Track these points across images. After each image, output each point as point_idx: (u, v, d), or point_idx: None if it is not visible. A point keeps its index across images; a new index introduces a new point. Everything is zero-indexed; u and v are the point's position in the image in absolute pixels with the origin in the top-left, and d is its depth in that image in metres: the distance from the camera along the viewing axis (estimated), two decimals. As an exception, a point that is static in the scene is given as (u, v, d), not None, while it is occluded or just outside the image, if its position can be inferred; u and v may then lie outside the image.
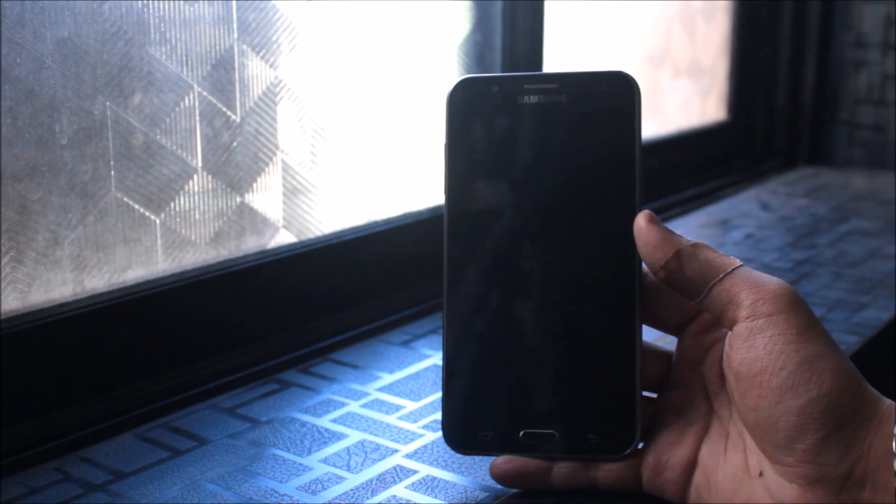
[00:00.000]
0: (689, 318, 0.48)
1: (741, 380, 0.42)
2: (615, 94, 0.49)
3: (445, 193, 0.49)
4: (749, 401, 0.42)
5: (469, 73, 0.94)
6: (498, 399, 0.49)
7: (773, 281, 0.43)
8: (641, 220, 0.46)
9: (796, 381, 0.41)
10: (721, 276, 0.44)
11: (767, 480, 0.42)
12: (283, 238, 0.80)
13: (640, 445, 0.48)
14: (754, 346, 0.42)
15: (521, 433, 0.49)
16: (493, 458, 0.50)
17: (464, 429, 0.50)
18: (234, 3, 0.73)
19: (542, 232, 0.48)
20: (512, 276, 0.49)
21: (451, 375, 0.49)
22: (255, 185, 0.77)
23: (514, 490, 0.53)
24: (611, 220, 0.48)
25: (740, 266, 0.44)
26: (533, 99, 0.48)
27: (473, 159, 0.49)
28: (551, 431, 0.48)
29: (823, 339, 0.42)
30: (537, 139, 0.49)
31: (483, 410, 0.49)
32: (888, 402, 0.42)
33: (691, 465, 0.46)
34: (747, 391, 0.42)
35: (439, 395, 0.67)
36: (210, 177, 0.73)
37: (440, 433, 0.62)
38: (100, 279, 0.67)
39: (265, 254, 0.77)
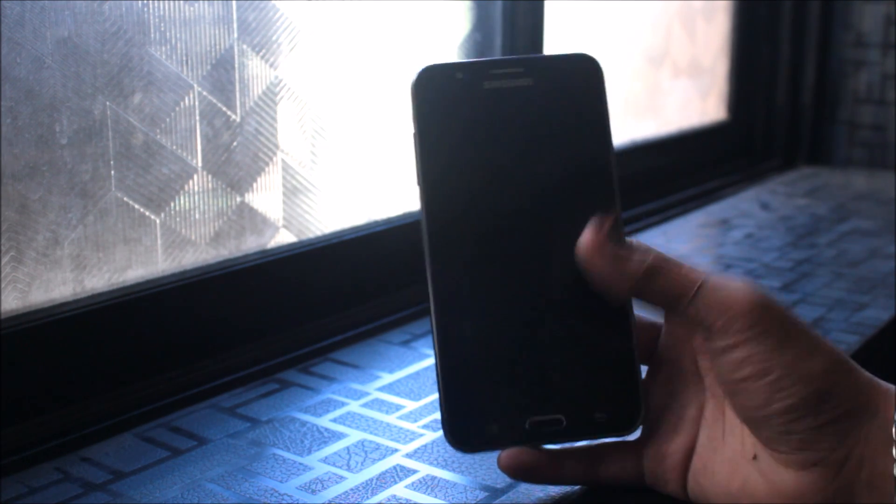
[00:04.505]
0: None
1: (725, 383, 0.42)
2: (580, 76, 0.49)
3: (420, 185, 0.48)
4: (738, 400, 0.42)
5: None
6: (499, 391, 0.48)
7: (739, 296, 0.42)
8: (585, 250, 0.43)
9: (782, 385, 0.40)
10: (686, 303, 0.43)
11: (762, 464, 0.42)
12: (283, 238, 0.80)
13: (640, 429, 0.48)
14: (731, 361, 0.42)
15: (528, 422, 0.48)
16: (498, 452, 0.50)
17: (467, 426, 0.48)
18: (234, 3, 0.73)
19: (523, 216, 0.48)
20: (498, 264, 0.48)
21: (448, 373, 0.48)
22: (255, 184, 0.77)
23: (514, 490, 0.53)
24: (590, 198, 0.47)
25: (701, 285, 0.42)
26: (499, 84, 0.48)
27: (445, 149, 0.48)
28: (558, 416, 0.47)
29: (804, 339, 0.41)
30: (508, 124, 0.48)
31: (485, 404, 0.48)
32: (885, 386, 0.42)
33: (690, 453, 0.46)
34: (734, 393, 0.42)
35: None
36: (210, 176, 0.74)
37: (441, 433, 0.62)
38: (100, 279, 0.67)
39: (265, 254, 0.77)
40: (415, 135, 0.48)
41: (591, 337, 0.47)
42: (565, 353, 0.48)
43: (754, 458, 0.43)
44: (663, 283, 0.43)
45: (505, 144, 0.48)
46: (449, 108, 0.48)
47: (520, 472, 0.48)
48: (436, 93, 0.48)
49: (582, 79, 0.48)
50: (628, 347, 0.47)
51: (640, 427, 0.48)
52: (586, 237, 0.44)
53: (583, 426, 0.47)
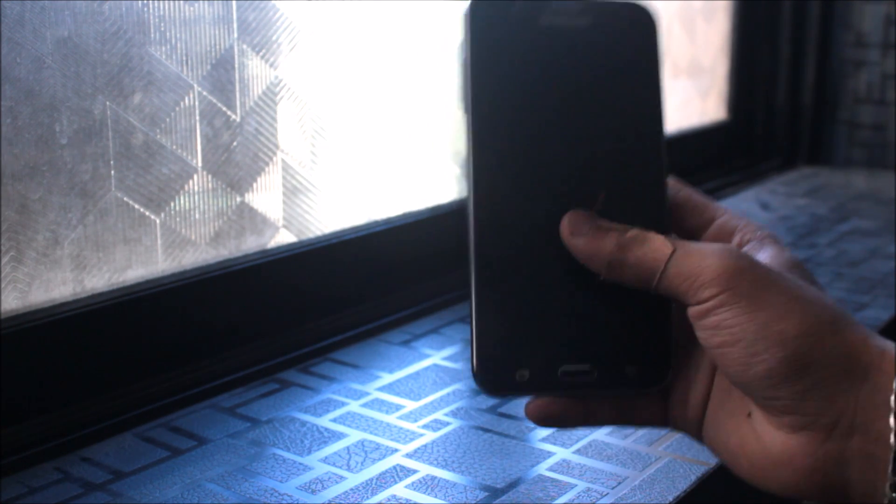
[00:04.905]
0: (705, 224, 0.46)
1: (708, 352, 0.42)
2: (637, 25, 0.49)
3: (468, 111, 0.47)
4: (721, 367, 0.42)
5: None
6: (532, 337, 0.47)
7: (708, 262, 0.41)
8: (564, 226, 0.44)
9: (756, 350, 0.40)
10: (657, 277, 0.43)
11: (755, 423, 0.42)
12: (283, 238, 0.80)
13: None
14: (706, 325, 0.41)
15: (559, 371, 0.48)
16: (525, 398, 0.49)
17: (498, 369, 0.47)
18: (234, 3, 0.73)
19: (569, 156, 0.48)
20: (541, 207, 0.47)
21: (482, 313, 0.47)
22: (255, 184, 0.77)
23: (514, 490, 0.53)
24: (637, 147, 0.48)
25: (672, 256, 0.42)
26: (556, 21, 0.48)
27: (495, 77, 0.47)
28: (589, 367, 0.47)
29: (779, 299, 0.40)
30: (561, 61, 0.48)
31: (517, 350, 0.47)
32: (880, 347, 0.40)
33: (707, 401, 0.45)
34: (716, 360, 0.42)
35: (439, 394, 0.68)
36: (210, 176, 0.74)
37: (440, 432, 0.62)
38: (100, 279, 0.67)
39: (265, 254, 0.77)
40: (465, 61, 0.48)
41: (628, 289, 0.47)
42: (601, 305, 0.47)
43: (749, 415, 0.43)
44: (634, 259, 0.42)
45: (557, 81, 0.47)
46: (502, 37, 0.47)
47: (548, 421, 0.47)
48: (490, 21, 0.48)
49: (638, 28, 0.49)
50: (664, 302, 0.47)
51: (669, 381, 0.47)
52: (568, 213, 0.44)
53: (613, 379, 0.47)
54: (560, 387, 0.47)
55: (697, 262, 0.41)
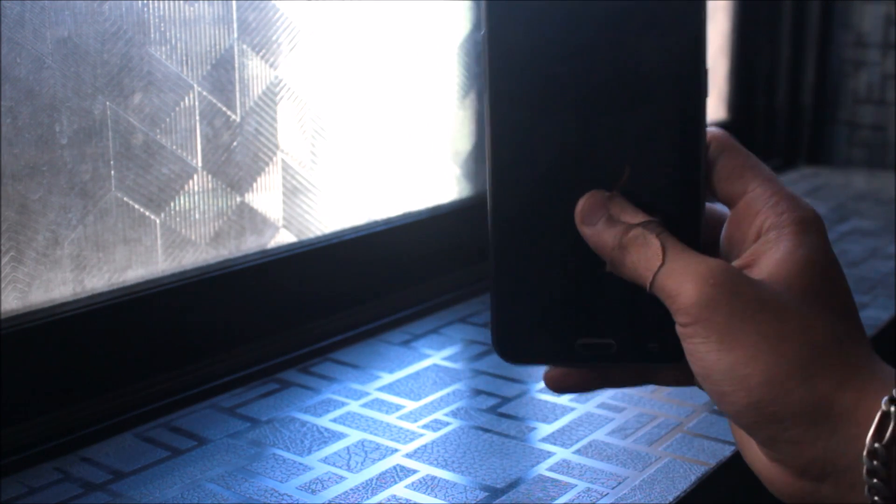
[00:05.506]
0: (737, 197, 0.44)
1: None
2: (679, 4, 0.46)
3: (489, 89, 0.45)
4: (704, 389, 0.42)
5: (469, 73, 0.94)
6: (553, 308, 0.46)
7: (686, 287, 0.40)
8: (576, 212, 0.43)
9: (724, 390, 0.39)
10: (648, 287, 0.42)
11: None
12: (283, 238, 0.80)
13: None
14: (685, 349, 0.40)
15: (578, 342, 0.47)
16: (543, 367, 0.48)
17: (517, 338, 0.46)
18: (234, 3, 0.73)
19: (593, 136, 0.46)
20: (563, 182, 0.45)
21: (503, 282, 0.46)
22: (255, 184, 0.77)
23: (514, 490, 0.53)
24: (674, 109, 0.46)
25: (658, 269, 0.41)
26: None
27: (517, 55, 0.45)
28: (610, 341, 0.47)
29: (749, 340, 0.39)
30: (591, 37, 0.46)
31: (537, 320, 0.46)
32: (850, 397, 0.38)
33: None
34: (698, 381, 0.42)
35: (439, 394, 0.68)
36: (210, 176, 0.74)
37: (440, 432, 0.62)
38: (100, 279, 0.67)
39: (265, 254, 0.77)
40: (483, 35, 0.46)
41: None
42: (623, 281, 0.46)
43: None
44: (630, 262, 0.42)
45: (584, 48, 0.45)
46: (525, 12, 0.45)
47: (566, 390, 0.47)
48: None
49: (679, 8, 0.46)
50: None
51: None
52: (582, 199, 0.43)
53: (633, 353, 0.46)
54: (578, 358, 0.46)
55: (678, 282, 0.40)
